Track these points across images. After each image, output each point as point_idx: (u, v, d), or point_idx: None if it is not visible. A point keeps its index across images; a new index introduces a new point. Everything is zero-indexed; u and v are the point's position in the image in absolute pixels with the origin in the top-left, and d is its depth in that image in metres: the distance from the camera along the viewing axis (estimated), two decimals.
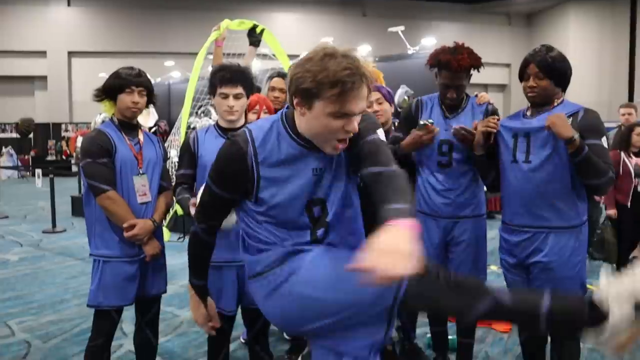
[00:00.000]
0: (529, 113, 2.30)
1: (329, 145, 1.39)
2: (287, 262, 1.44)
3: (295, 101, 1.40)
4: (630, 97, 19.67)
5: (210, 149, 2.26)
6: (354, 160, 1.47)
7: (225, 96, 2.28)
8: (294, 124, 1.45)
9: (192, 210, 2.09)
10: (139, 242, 2.30)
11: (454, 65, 2.42)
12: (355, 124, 1.35)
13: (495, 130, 2.34)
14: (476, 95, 2.67)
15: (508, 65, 22.34)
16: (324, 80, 1.28)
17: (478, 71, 2.56)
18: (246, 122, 2.44)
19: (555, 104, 2.22)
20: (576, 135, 2.04)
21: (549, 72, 2.17)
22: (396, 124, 2.94)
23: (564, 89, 2.25)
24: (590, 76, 19.92)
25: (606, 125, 2.51)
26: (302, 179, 1.45)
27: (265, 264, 1.47)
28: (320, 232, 1.47)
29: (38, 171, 8.35)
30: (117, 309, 2.32)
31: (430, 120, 2.50)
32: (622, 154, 4.26)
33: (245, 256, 1.56)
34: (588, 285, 2.30)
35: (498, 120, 2.37)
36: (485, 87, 22.61)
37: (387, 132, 2.71)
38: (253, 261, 1.52)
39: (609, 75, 20.73)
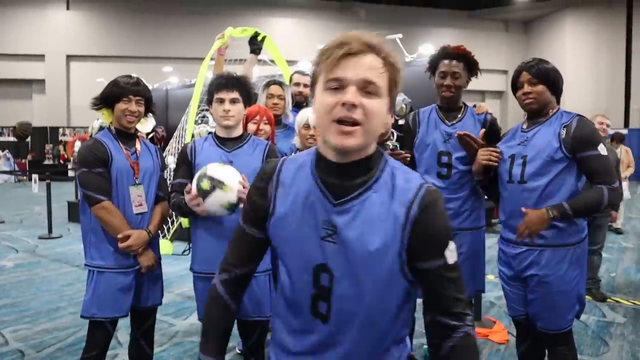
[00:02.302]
0: (525, 126, 2.29)
1: (331, 133, 1.05)
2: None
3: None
4: (627, 105, 19.77)
5: (206, 159, 2.24)
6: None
7: (221, 101, 2.26)
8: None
9: (187, 197, 2.09)
10: (133, 253, 2.28)
11: (451, 49, 2.54)
12: (350, 95, 1.02)
13: (496, 165, 2.32)
14: (474, 106, 2.68)
15: (505, 72, 22.42)
16: (319, 56, 1.08)
17: (476, 76, 2.58)
18: (245, 132, 2.42)
19: (551, 114, 2.21)
20: (553, 214, 2.07)
21: (542, 77, 2.17)
22: (395, 134, 2.94)
23: (557, 99, 2.24)
24: (587, 83, 20.01)
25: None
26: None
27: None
28: (322, 306, 1.12)
29: (35, 176, 8.29)
30: (111, 320, 2.29)
31: (395, 144, 2.56)
32: None
33: None
34: (587, 297, 2.29)
35: (500, 152, 2.32)
36: (482, 93, 22.74)
37: (384, 142, 2.71)
38: None
39: (605, 83, 20.81)
